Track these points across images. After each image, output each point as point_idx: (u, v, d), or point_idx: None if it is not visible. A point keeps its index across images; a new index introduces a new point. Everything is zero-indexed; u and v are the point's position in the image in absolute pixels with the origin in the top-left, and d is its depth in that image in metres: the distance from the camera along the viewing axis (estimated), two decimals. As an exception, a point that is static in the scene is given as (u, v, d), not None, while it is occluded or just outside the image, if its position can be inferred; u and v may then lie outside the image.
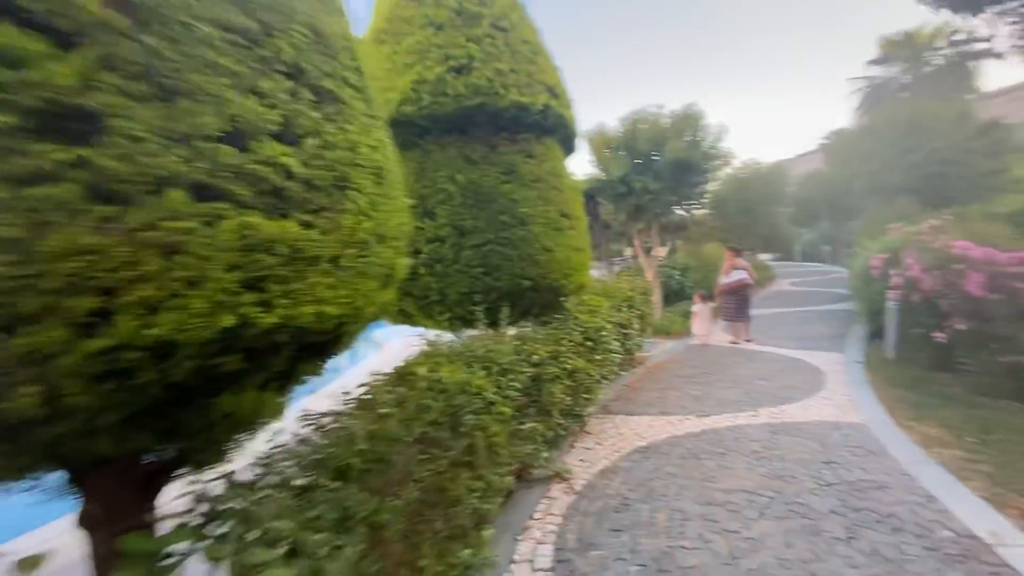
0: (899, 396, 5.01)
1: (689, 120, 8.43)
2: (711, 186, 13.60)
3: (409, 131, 4.05)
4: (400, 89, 3.89)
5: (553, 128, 4.52)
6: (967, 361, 5.08)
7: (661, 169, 8.56)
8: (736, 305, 8.33)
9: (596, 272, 19.88)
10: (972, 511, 2.80)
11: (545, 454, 3.64)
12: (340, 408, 2.10)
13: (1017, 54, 11.06)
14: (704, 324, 8.50)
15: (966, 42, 18.85)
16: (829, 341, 7.83)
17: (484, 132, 4.14)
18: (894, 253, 6.85)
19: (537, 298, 4.26)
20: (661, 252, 20.05)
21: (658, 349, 8.28)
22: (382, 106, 2.17)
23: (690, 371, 6.70)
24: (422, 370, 2.47)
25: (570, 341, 4.15)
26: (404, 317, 4.42)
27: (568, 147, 5.11)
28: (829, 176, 18.46)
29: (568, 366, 3.93)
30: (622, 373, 6.58)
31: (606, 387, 5.49)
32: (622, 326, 6.30)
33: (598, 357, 4.71)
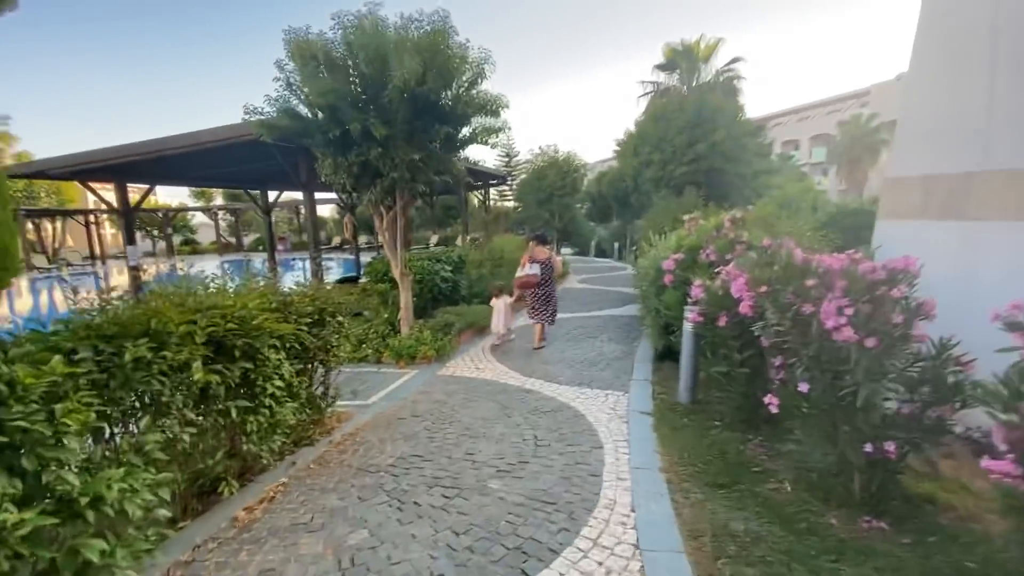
0: (711, 519, 2.71)
1: (436, 36, 5.42)
2: (505, 167, 11.43)
3: None
4: None
5: None
6: (803, 441, 3.06)
7: (391, 106, 5.39)
8: (535, 302, 6.81)
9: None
10: None
11: None
12: None
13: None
14: (501, 320, 7.06)
15: (733, 62, 20.59)
16: (612, 369, 5.74)
17: None
18: (691, 253, 4.91)
19: None
20: (465, 243, 17.42)
21: (379, 394, 5.17)
22: None
23: (396, 452, 3.71)
24: None
25: None
26: None
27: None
28: (620, 171, 18.21)
29: None
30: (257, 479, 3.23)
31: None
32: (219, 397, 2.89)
33: None
